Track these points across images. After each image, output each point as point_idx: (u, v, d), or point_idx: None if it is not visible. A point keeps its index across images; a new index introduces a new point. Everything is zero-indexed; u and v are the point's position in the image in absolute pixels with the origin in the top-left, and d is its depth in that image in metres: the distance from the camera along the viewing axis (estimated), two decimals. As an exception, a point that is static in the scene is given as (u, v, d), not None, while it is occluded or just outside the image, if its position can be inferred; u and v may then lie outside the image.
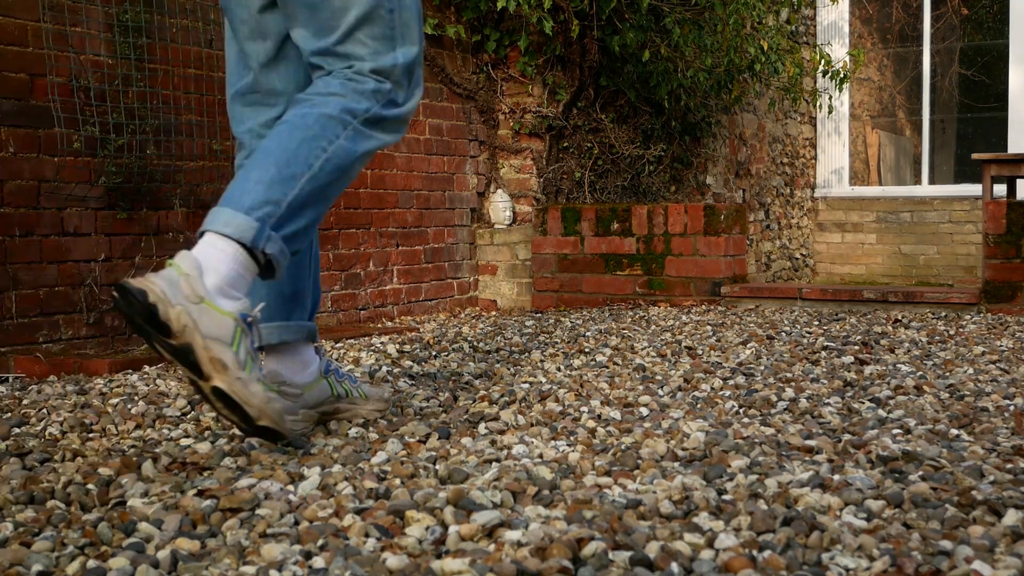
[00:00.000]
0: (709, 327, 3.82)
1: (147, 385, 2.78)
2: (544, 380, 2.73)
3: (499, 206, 5.47)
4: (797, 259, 8.47)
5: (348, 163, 1.91)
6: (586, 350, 3.29)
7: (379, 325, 4.50)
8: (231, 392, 1.73)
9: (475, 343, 3.53)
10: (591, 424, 2.16)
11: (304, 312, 2.13)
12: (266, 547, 1.36)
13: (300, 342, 2.11)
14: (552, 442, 2.01)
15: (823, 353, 3.12)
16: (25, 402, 2.59)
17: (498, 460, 1.86)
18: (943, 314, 4.26)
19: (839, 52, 8.47)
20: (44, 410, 2.45)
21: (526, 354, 3.27)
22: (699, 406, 2.36)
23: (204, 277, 1.74)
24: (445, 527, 1.44)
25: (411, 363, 3.10)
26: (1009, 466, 1.74)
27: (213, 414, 2.10)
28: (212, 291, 1.74)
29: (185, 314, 1.69)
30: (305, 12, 1.92)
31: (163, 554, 1.34)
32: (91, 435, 2.19)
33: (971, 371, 2.80)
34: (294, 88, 2.08)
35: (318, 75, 1.96)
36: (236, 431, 2.16)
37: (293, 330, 2.10)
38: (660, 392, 2.54)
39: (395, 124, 1.97)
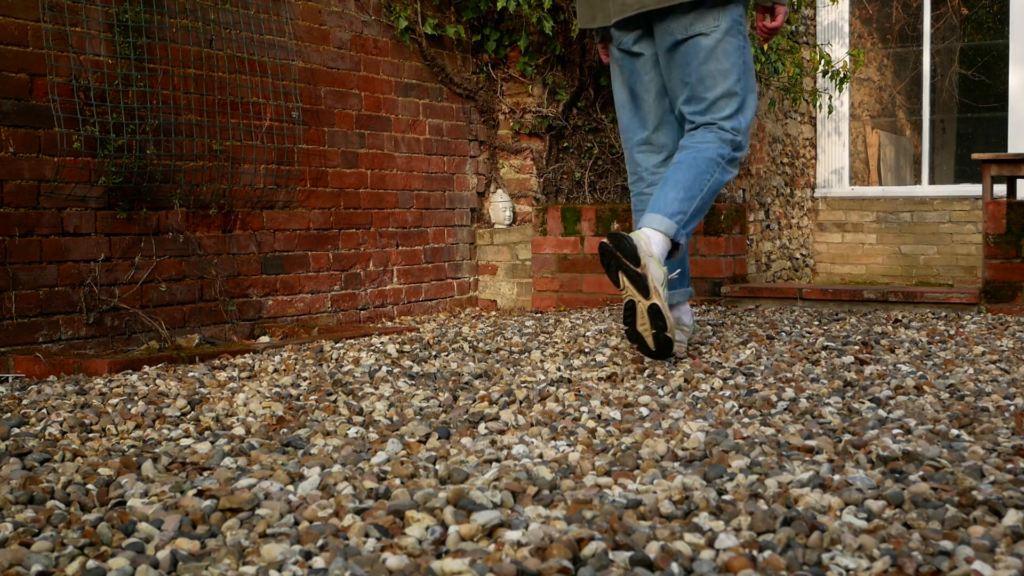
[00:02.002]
0: (709, 327, 3.82)
1: (147, 385, 2.78)
2: (544, 380, 2.73)
3: (499, 206, 5.47)
4: (797, 259, 8.46)
5: (718, 189, 2.98)
6: (586, 350, 3.29)
7: (379, 325, 4.50)
8: (661, 308, 2.72)
9: (475, 343, 3.53)
10: (591, 424, 2.16)
11: (687, 282, 3.26)
12: (266, 547, 1.35)
13: (685, 301, 3.24)
14: (552, 442, 2.01)
15: (823, 353, 3.12)
16: (25, 402, 2.59)
17: (498, 460, 1.86)
18: (943, 314, 4.25)
19: (839, 52, 8.47)
20: (44, 410, 2.44)
21: (526, 354, 3.26)
22: (699, 406, 2.36)
23: (651, 246, 2.78)
24: (445, 527, 1.44)
25: (411, 363, 3.10)
26: (1009, 466, 1.74)
27: (628, 329, 2.83)
28: (656, 254, 2.79)
29: (647, 258, 2.73)
30: (687, 91, 3.03)
31: (163, 554, 1.34)
32: (91, 435, 2.19)
33: (971, 371, 2.80)
34: (672, 141, 3.18)
35: (692, 128, 3.04)
36: (235, 432, 2.17)
37: (684, 294, 3.22)
38: (660, 392, 2.54)
39: (737, 164, 3.02)
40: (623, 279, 2.74)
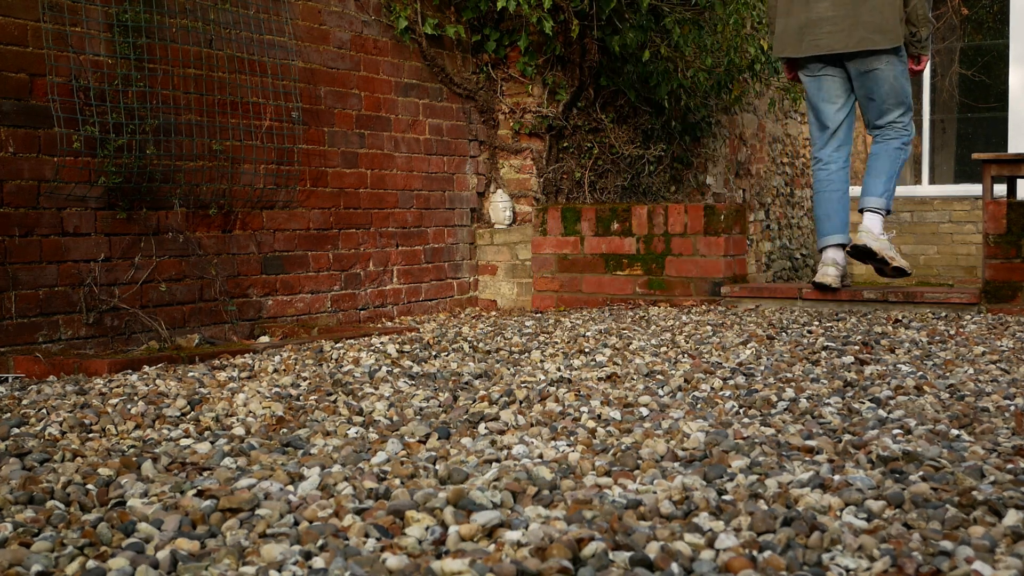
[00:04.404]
0: (709, 327, 3.82)
1: (147, 385, 2.78)
2: (544, 380, 2.73)
3: (499, 206, 5.47)
4: (797, 259, 8.46)
5: (902, 165, 4.38)
6: (586, 350, 3.29)
7: (379, 325, 4.50)
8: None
9: (475, 343, 3.53)
10: (591, 424, 2.16)
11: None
12: (266, 547, 1.35)
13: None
14: (552, 442, 2.01)
15: (823, 353, 3.12)
16: (25, 402, 2.59)
17: (498, 460, 1.86)
18: (943, 314, 4.25)
19: (839, 52, 8.45)
20: (44, 410, 2.44)
21: (526, 354, 3.26)
22: (699, 406, 2.36)
23: (875, 231, 4.26)
24: (445, 527, 1.44)
25: (411, 363, 3.10)
26: (1010, 466, 1.74)
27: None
28: (877, 232, 4.27)
29: (883, 250, 4.27)
30: (874, 113, 4.39)
31: (163, 554, 1.34)
32: (91, 435, 2.19)
33: (971, 371, 2.80)
34: (850, 138, 4.51)
35: (878, 132, 4.42)
36: (235, 432, 2.17)
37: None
38: (660, 392, 2.54)
39: (909, 146, 4.43)
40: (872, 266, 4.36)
